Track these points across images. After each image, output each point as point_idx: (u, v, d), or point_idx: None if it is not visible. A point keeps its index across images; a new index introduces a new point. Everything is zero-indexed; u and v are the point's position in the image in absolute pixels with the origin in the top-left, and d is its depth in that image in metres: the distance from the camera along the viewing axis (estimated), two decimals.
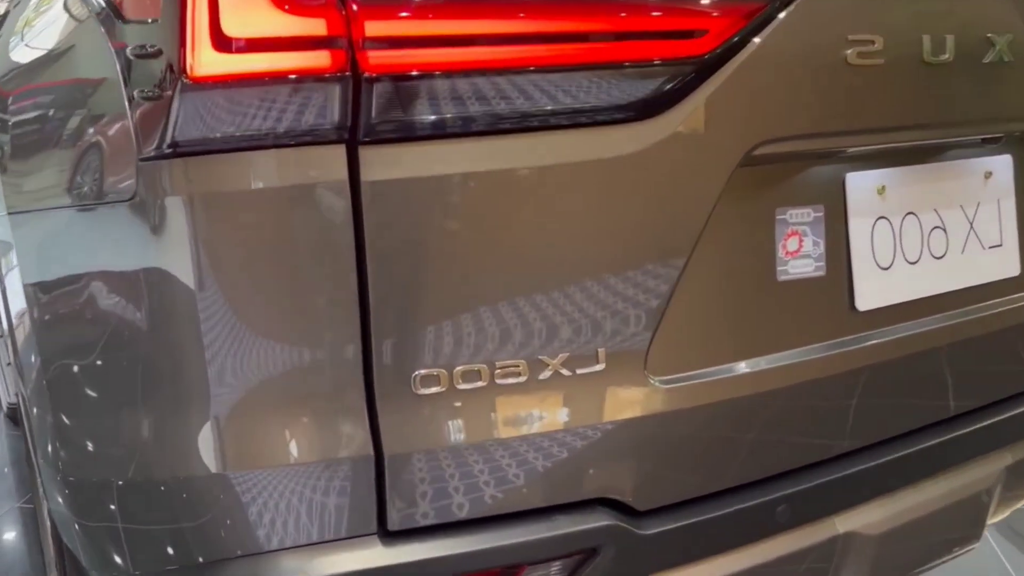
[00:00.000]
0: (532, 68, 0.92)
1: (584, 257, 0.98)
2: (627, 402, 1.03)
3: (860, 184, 1.21)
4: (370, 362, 0.93)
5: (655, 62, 0.97)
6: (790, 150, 1.08)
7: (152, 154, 0.90)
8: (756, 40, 1.01)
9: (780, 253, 1.15)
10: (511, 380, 0.97)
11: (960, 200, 1.32)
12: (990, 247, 1.36)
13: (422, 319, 0.93)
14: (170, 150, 0.89)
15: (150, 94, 0.90)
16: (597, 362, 1.01)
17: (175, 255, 0.91)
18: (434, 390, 0.95)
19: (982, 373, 1.38)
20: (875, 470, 1.25)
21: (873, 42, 1.08)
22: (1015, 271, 1.39)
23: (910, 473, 1.30)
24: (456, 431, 0.96)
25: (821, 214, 1.18)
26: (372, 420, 0.94)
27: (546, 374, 0.99)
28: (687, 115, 0.98)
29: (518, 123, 0.93)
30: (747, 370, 1.11)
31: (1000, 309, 1.37)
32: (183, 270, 0.91)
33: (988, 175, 1.35)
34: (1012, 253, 1.39)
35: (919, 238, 1.28)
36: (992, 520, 1.51)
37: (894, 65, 1.11)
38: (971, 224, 1.33)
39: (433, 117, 0.89)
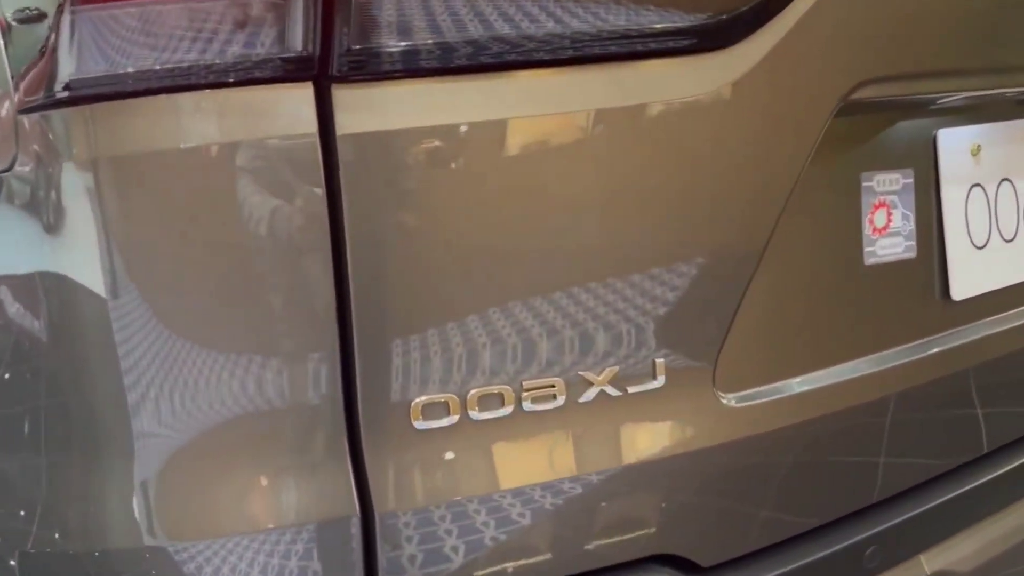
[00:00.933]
0: None
1: (635, 240, 0.73)
2: (692, 427, 0.78)
3: (953, 143, 0.97)
4: (352, 388, 0.67)
5: None
6: (891, 95, 0.84)
7: (38, 102, 0.64)
8: None
9: (867, 230, 0.91)
10: (543, 405, 0.72)
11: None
12: None
13: (423, 328, 0.67)
14: (64, 95, 0.62)
15: (29, 14, 0.63)
16: (654, 377, 0.75)
17: (75, 247, 0.64)
18: (441, 423, 0.69)
19: None
20: (970, 494, 1.02)
21: None
22: None
23: (1005, 495, 1.07)
24: (470, 477, 0.71)
25: (911, 180, 0.94)
26: (357, 467, 0.68)
27: (589, 395, 0.73)
28: (772, 44, 0.74)
29: (550, 53, 0.68)
30: (834, 380, 0.87)
31: None
32: (87, 269, 0.64)
33: None
34: None
35: (1015, 209, 1.04)
36: None
37: None
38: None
39: (439, 42, 0.64)
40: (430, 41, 0.63)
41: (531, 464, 0.72)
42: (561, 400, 0.72)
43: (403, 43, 0.64)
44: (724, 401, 0.79)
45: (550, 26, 0.67)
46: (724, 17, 0.72)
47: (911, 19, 0.82)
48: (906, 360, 0.93)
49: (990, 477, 1.04)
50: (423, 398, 0.68)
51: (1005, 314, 1.03)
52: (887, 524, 0.92)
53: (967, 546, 1.04)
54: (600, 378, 0.73)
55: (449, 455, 0.70)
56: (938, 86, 0.89)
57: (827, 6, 0.75)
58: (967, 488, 1.02)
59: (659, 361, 0.75)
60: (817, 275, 0.87)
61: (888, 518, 0.93)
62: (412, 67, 0.64)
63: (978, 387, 1.01)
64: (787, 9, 0.73)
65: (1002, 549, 1.08)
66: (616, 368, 0.74)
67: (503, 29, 0.66)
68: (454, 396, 0.69)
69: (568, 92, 0.67)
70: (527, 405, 0.71)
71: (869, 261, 0.91)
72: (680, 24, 0.72)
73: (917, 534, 0.96)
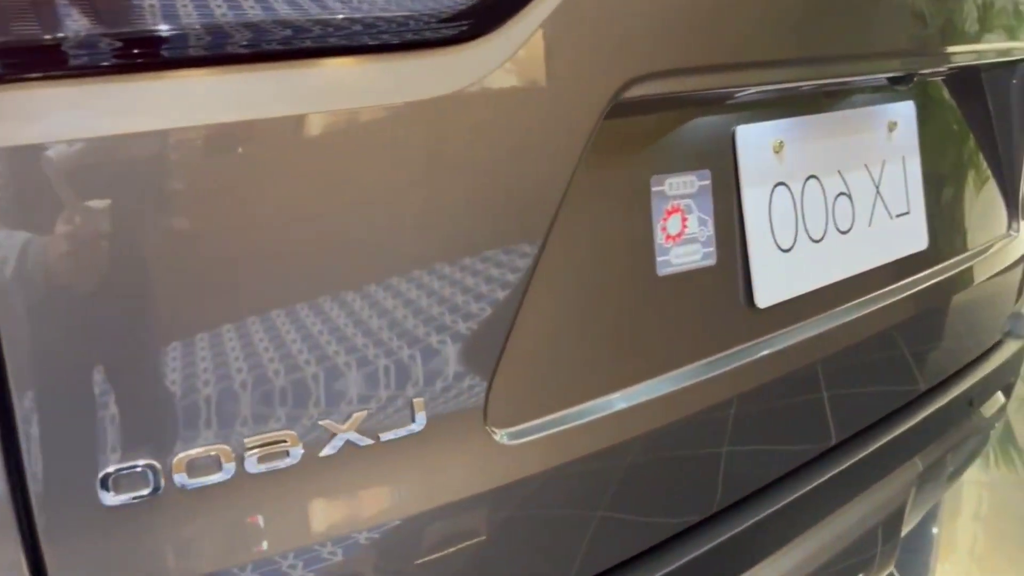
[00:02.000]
0: None
1: (378, 262, 0.62)
2: (463, 472, 0.68)
3: (753, 139, 0.91)
4: (18, 458, 0.54)
5: None
6: (672, 91, 0.76)
7: None
8: None
9: (660, 238, 0.83)
10: (274, 464, 0.60)
11: (865, 158, 1.05)
12: (898, 215, 1.10)
13: (102, 382, 0.55)
14: None
15: None
16: (412, 420, 0.65)
17: None
18: (137, 495, 0.57)
19: (897, 370, 1.12)
20: (786, 511, 0.96)
21: None
22: (923, 244, 1.14)
23: (823, 506, 1.03)
24: (181, 559, 0.59)
25: (708, 182, 0.87)
26: (33, 556, 0.55)
27: (332, 447, 0.62)
28: (526, 36, 0.64)
29: (261, 46, 0.56)
30: (632, 402, 0.79)
31: (912, 291, 1.11)
32: None
33: (893, 126, 1.08)
34: (919, 222, 1.13)
35: (823, 208, 0.99)
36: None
37: None
38: (877, 188, 1.07)
39: (107, 30, 0.51)
40: (85, 34, 0.51)
41: (261, 535, 0.61)
42: (297, 456, 0.61)
43: (61, 31, 0.51)
44: (500, 439, 0.70)
45: (253, 15, 0.56)
46: (463, 8, 0.62)
47: (693, 11, 0.74)
48: (710, 375, 0.86)
49: (807, 489, 0.99)
50: (111, 468, 0.55)
51: (815, 318, 0.98)
52: (689, 556, 0.85)
53: (786, 562, 0.99)
54: (344, 426, 0.63)
55: (153, 534, 0.58)
56: (730, 80, 0.81)
57: (584, 2, 0.66)
58: (783, 503, 0.96)
59: (417, 400, 0.65)
60: (604, 290, 0.78)
61: (691, 548, 0.85)
62: (75, 63, 0.52)
63: (788, 397, 0.95)
64: (536, 2, 0.64)
65: (823, 560, 1.04)
66: (364, 413, 0.63)
67: (203, 17, 0.55)
68: (153, 462, 0.56)
69: (267, 93, 0.56)
70: (252, 465, 0.60)
71: (663, 271, 0.83)
72: (424, 12, 0.61)
73: (725, 562, 0.90)
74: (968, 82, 1.24)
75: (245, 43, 0.56)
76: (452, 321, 0.65)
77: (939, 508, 2.43)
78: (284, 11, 0.55)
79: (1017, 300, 1.43)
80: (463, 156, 0.63)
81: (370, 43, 0.59)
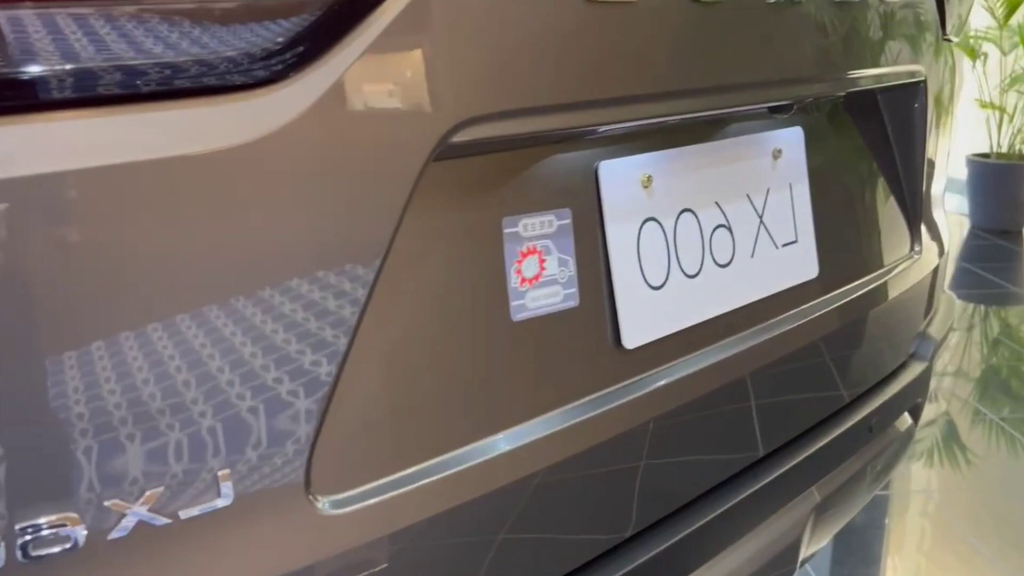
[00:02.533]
0: None
1: (178, 311, 0.58)
2: (283, 547, 0.64)
3: (619, 174, 0.88)
4: None
5: None
6: (513, 133, 0.72)
7: None
8: None
9: (514, 282, 0.79)
10: (53, 549, 0.56)
11: (747, 188, 1.02)
12: (784, 245, 1.07)
13: None
14: None
15: None
16: (218, 494, 0.61)
17: None
18: None
19: (790, 401, 1.10)
20: (665, 556, 0.93)
21: None
22: (813, 272, 1.11)
23: (708, 547, 1.00)
24: None
25: (568, 221, 0.84)
26: None
27: (122, 528, 0.58)
28: (335, 78, 0.60)
29: (47, 93, 0.52)
30: (482, 457, 0.75)
31: (801, 321, 1.08)
32: None
33: (777, 154, 1.06)
34: (809, 250, 1.11)
35: (699, 242, 0.96)
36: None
37: (650, 4, 0.77)
38: (761, 218, 1.04)
39: None
40: None
41: None
42: (80, 539, 0.56)
43: None
44: (324, 508, 0.65)
45: (52, 53, 0.51)
46: (270, 48, 0.58)
47: (531, 50, 0.70)
48: (574, 420, 0.83)
49: (688, 532, 0.96)
50: None
51: (692, 355, 0.95)
52: None
53: None
54: (137, 504, 0.58)
55: None
56: (581, 120, 0.78)
57: (402, 31, 0.62)
58: (661, 549, 0.93)
59: (224, 472, 0.61)
60: (449, 340, 0.74)
61: None
62: None
63: (666, 438, 0.92)
64: (348, 38, 0.60)
65: None
66: (159, 488, 0.58)
67: None
68: None
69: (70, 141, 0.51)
70: (26, 553, 0.55)
71: (519, 316, 0.79)
72: (221, 55, 0.57)
73: None
74: (864, 104, 1.22)
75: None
76: (264, 382, 0.61)
77: (889, 502, 2.45)
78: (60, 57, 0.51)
79: (924, 320, 1.41)
80: (263, 209, 0.58)
81: (145, 91, 0.54)
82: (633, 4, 0.75)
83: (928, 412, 2.99)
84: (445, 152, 0.67)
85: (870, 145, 1.25)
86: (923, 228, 1.37)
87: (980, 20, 5.56)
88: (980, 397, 3.15)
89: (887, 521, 2.39)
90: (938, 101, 1.35)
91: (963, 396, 3.17)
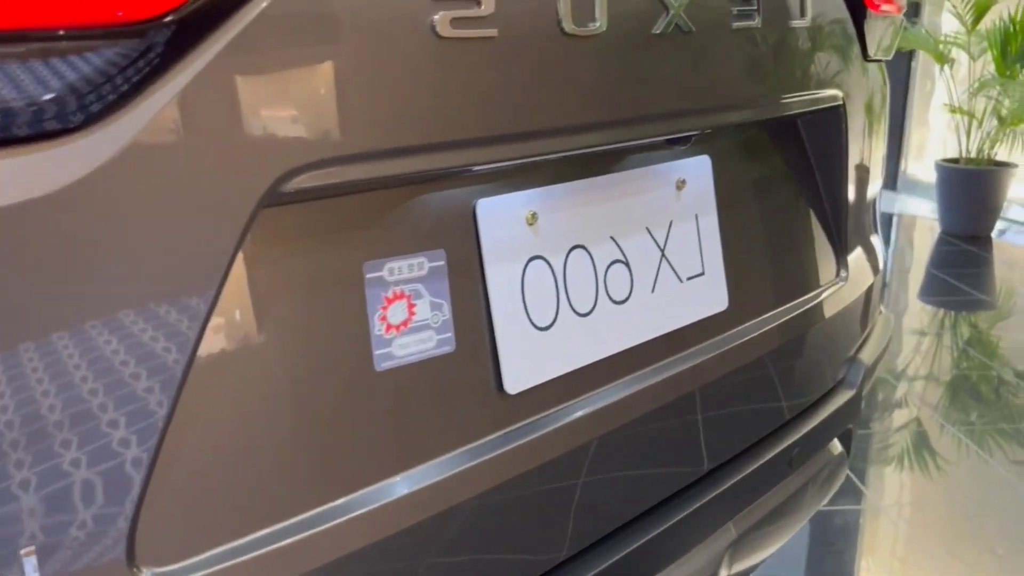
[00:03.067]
0: None
1: None
2: None
3: (500, 212, 0.84)
4: None
5: (73, 31, 0.54)
6: (364, 177, 0.68)
7: None
8: None
9: (377, 329, 0.75)
10: None
11: (646, 220, 0.99)
12: (689, 278, 1.03)
13: None
14: None
15: None
16: (21, 572, 0.57)
17: None
18: None
19: (695, 441, 1.06)
20: None
21: (478, 3, 0.70)
22: (723, 304, 1.08)
23: None
24: None
25: (442, 263, 0.80)
26: None
27: None
28: (143, 125, 0.56)
29: None
30: (333, 521, 0.71)
31: (711, 355, 1.05)
32: None
33: (681, 184, 1.02)
34: (717, 282, 1.07)
35: (592, 279, 0.92)
36: None
37: (513, 39, 0.73)
38: (663, 251, 1.00)
39: None
40: None
41: None
42: None
43: None
44: None
45: None
46: (70, 92, 0.54)
47: (369, 77, 0.66)
48: (451, 472, 0.79)
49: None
50: None
51: (585, 397, 0.91)
52: None
53: None
54: None
55: None
56: (439, 161, 0.74)
57: (222, 73, 0.58)
58: None
59: (27, 549, 0.57)
60: (298, 395, 0.70)
61: None
62: None
63: (560, 482, 0.88)
64: (158, 82, 0.56)
65: None
66: None
67: None
68: None
69: None
70: None
71: (384, 366, 0.75)
72: (19, 101, 0.53)
73: None
74: (782, 128, 1.19)
75: None
76: (79, 443, 0.57)
77: (862, 505, 2.43)
78: None
79: (854, 346, 1.39)
80: (68, 263, 0.55)
81: None
82: (491, 41, 0.71)
83: (898, 418, 2.99)
84: (282, 198, 0.63)
85: (790, 169, 1.22)
86: (852, 251, 1.34)
87: (949, 25, 5.56)
88: (950, 403, 3.14)
89: (860, 523, 2.38)
90: (867, 122, 1.32)
91: (932, 402, 3.16)
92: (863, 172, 1.36)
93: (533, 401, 0.86)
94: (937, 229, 5.41)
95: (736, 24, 0.93)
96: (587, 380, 0.92)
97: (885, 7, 1.20)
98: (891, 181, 6.27)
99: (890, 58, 1.37)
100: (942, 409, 3.10)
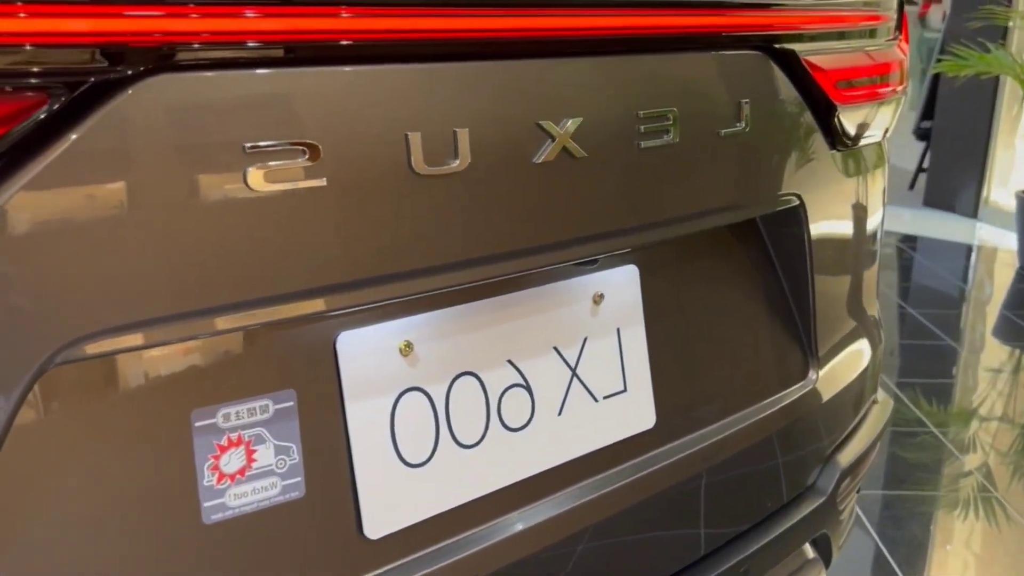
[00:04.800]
0: None
1: None
2: None
3: (365, 345, 0.79)
4: None
5: None
6: (171, 337, 0.65)
7: None
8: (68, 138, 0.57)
9: (207, 480, 0.72)
10: None
11: (554, 340, 0.93)
12: (607, 396, 0.97)
13: None
14: None
15: None
16: None
17: None
18: None
19: (618, 568, 1.00)
20: None
21: (303, 151, 0.66)
22: (649, 422, 1.01)
23: None
24: None
25: (291, 404, 0.76)
26: None
27: None
28: None
29: None
30: None
31: (630, 478, 0.98)
32: None
33: (599, 298, 0.96)
34: (643, 399, 1.00)
35: (482, 407, 0.87)
36: None
37: (348, 186, 0.69)
38: (574, 371, 0.94)
39: None
40: None
41: None
42: None
43: None
44: None
45: None
46: None
47: (178, 231, 0.62)
48: None
49: None
50: None
51: (471, 534, 0.86)
52: None
53: None
54: None
55: None
56: (266, 314, 0.69)
57: None
58: None
59: None
60: (106, 558, 0.67)
61: None
62: None
63: None
64: None
65: None
66: None
67: None
68: None
69: None
70: None
71: (215, 518, 0.72)
72: None
73: None
74: (733, 229, 1.11)
75: None
76: None
77: (928, 556, 2.31)
78: None
79: (828, 448, 1.29)
80: None
81: None
82: (323, 189, 0.66)
83: (969, 462, 2.82)
84: (75, 357, 0.60)
85: (742, 269, 1.14)
86: (828, 346, 1.25)
87: None
88: (1022, 449, 2.96)
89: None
90: (851, 208, 1.23)
91: (1003, 448, 2.98)
92: (846, 261, 1.26)
93: (401, 545, 0.82)
94: (1016, 263, 5.13)
95: (646, 143, 0.86)
96: (473, 517, 0.86)
97: (854, 96, 1.11)
98: (972, 209, 5.98)
99: (880, 140, 1.28)
100: (1013, 455, 2.92)
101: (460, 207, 0.75)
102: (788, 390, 1.19)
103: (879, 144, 1.31)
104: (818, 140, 1.09)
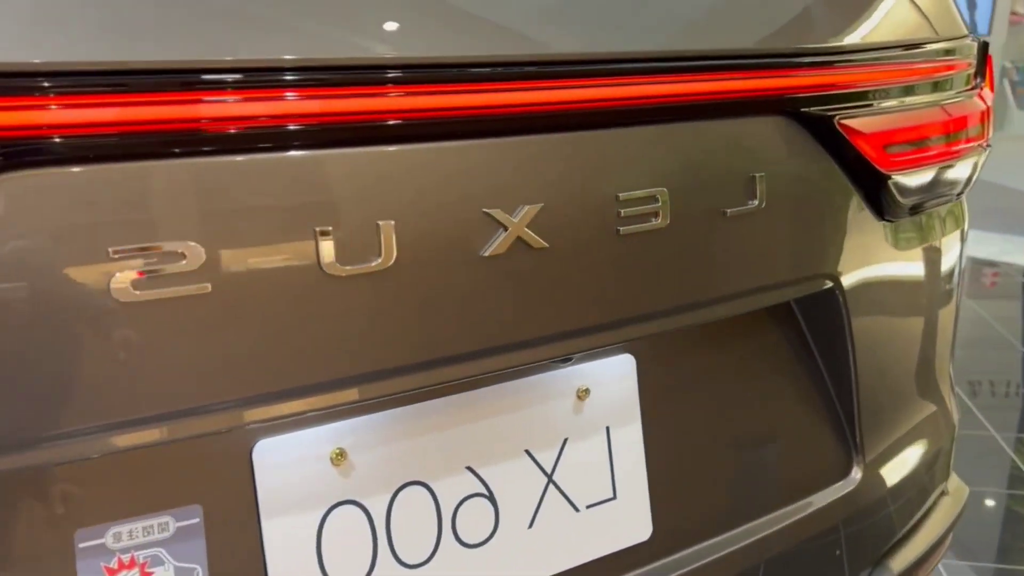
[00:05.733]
0: None
1: None
2: None
3: (287, 455, 0.71)
4: None
5: None
6: (51, 461, 0.57)
7: None
8: None
9: None
10: None
11: (525, 442, 0.82)
12: (591, 505, 0.86)
13: None
14: None
15: None
16: None
17: None
18: None
19: None
20: None
21: (182, 255, 0.57)
22: (644, 534, 0.89)
23: None
24: None
25: (196, 520, 0.67)
26: None
27: None
28: None
29: None
30: None
31: None
32: None
33: (583, 394, 0.85)
34: (637, 507, 0.88)
35: (432, 521, 0.77)
36: None
37: (238, 290, 0.60)
38: (550, 477, 0.83)
39: None
40: None
41: None
42: None
43: None
44: None
45: None
46: None
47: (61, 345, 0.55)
48: None
49: None
50: None
51: None
52: None
53: None
54: None
55: None
56: (170, 430, 0.62)
57: None
58: None
59: None
60: None
61: None
62: None
63: None
64: None
65: None
66: None
67: None
68: None
69: None
70: None
71: None
72: None
73: None
74: (772, 311, 0.98)
75: None
76: None
77: None
78: None
79: (879, 550, 1.14)
80: None
81: None
82: (208, 296, 0.58)
83: None
84: None
85: (776, 354, 1.00)
86: (880, 437, 1.10)
87: None
88: None
89: None
90: (915, 286, 1.08)
91: None
92: (902, 342, 1.11)
93: None
94: None
95: (627, 228, 0.74)
96: None
97: (910, 160, 0.97)
98: None
99: (955, 199, 1.12)
100: None
101: (383, 309, 0.65)
102: (824, 491, 1.05)
103: (955, 205, 1.15)
104: (860, 213, 0.95)
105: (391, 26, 0.65)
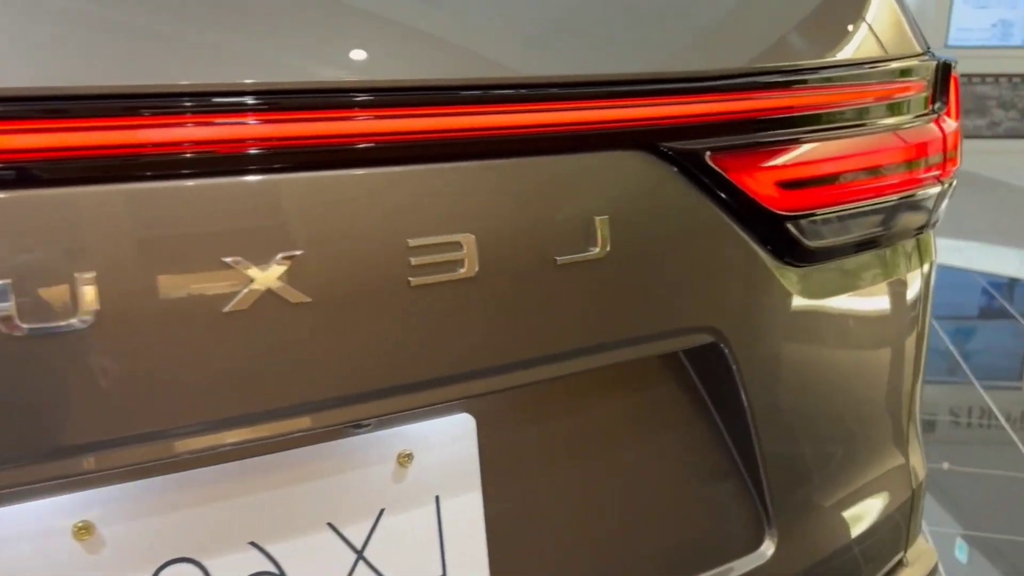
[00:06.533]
0: None
1: None
2: None
3: (15, 530, 0.63)
4: None
5: None
6: None
7: None
8: None
9: None
10: None
11: (329, 514, 0.73)
12: None
13: None
14: None
15: None
16: None
17: None
18: None
19: None
20: None
21: None
22: None
23: None
24: None
25: None
26: None
27: None
28: None
29: None
30: None
31: None
32: None
33: (405, 459, 0.75)
34: None
35: None
36: None
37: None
38: (359, 553, 0.74)
39: None
40: None
41: None
42: None
43: None
44: None
45: None
46: None
47: None
48: None
49: None
50: None
51: None
52: None
53: None
54: None
55: None
56: None
57: None
58: None
59: None
60: None
61: None
62: None
63: None
64: None
65: None
66: None
67: None
68: None
69: None
70: None
71: None
72: None
73: None
74: (658, 362, 0.87)
75: None
76: None
77: None
78: None
79: None
80: None
81: None
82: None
83: None
84: None
85: (662, 409, 0.89)
86: (799, 503, 0.98)
87: None
88: None
89: None
90: (842, 326, 0.96)
91: None
92: (818, 393, 0.99)
93: None
94: None
95: (420, 279, 0.64)
96: None
97: (818, 198, 0.85)
98: None
99: (917, 236, 1.00)
100: None
101: (88, 373, 0.57)
102: (725, 567, 0.93)
103: (913, 242, 1.03)
104: (751, 259, 0.83)
105: None
